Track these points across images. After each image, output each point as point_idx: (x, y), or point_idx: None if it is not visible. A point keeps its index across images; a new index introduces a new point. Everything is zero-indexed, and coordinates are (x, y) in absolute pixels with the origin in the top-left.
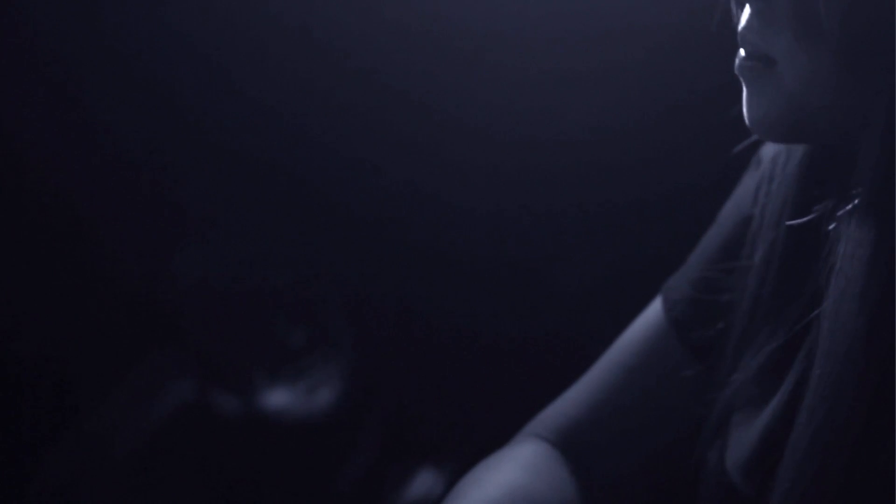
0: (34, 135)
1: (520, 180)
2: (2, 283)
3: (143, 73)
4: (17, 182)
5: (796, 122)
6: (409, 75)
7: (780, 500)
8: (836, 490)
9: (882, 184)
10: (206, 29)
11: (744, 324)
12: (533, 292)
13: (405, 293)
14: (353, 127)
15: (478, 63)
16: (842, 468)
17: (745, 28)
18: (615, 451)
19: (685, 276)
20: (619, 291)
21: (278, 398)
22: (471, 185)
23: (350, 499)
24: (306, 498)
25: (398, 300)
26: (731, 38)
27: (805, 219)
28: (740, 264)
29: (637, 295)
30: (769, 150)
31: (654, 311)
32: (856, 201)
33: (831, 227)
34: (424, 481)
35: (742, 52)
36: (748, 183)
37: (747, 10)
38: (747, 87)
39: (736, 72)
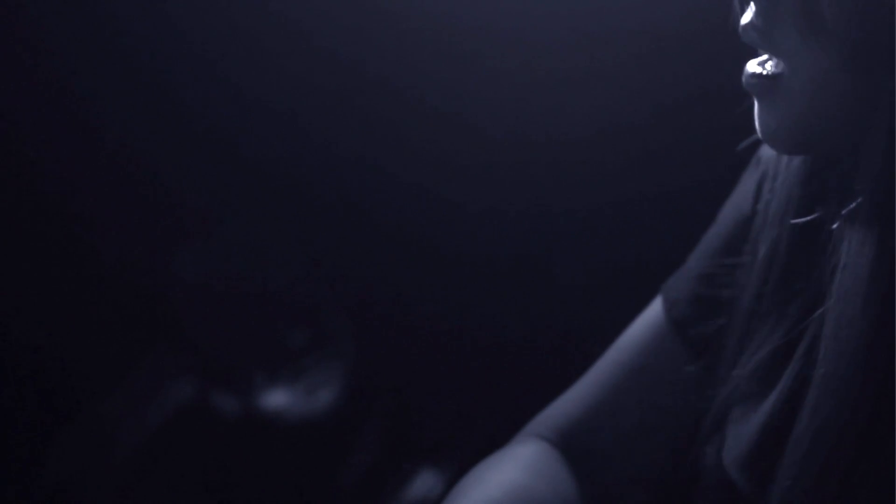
0: (34, 135)
1: (520, 180)
2: (2, 282)
3: (143, 73)
4: (17, 182)
5: (809, 131)
6: (409, 75)
7: (781, 498)
8: (838, 488)
9: (886, 184)
10: (206, 29)
11: (744, 321)
12: (533, 292)
13: (405, 293)
14: (353, 127)
15: (478, 63)
16: (844, 466)
17: (748, 24)
18: (615, 451)
19: (685, 276)
20: (619, 291)
21: (278, 398)
22: (471, 184)
23: (350, 499)
24: (306, 498)
25: (398, 300)
26: (732, 38)
27: (809, 218)
28: (741, 260)
29: (637, 294)
30: (768, 149)
31: (654, 310)
32: (859, 200)
33: (835, 226)
34: (424, 481)
35: (749, 67)
36: (748, 182)
37: (752, 9)
38: (758, 102)
39: (744, 87)
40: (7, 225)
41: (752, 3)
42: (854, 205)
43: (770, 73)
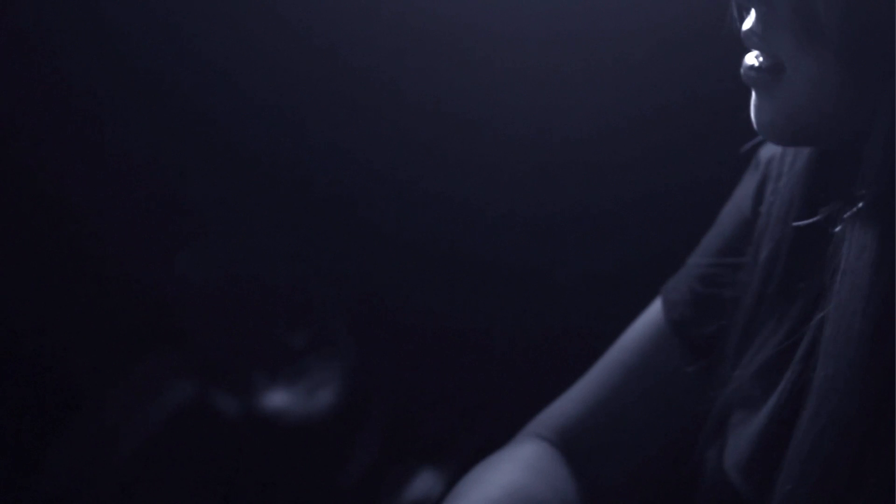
0: (35, 135)
1: (519, 180)
2: (2, 283)
3: (144, 74)
4: (18, 182)
5: (803, 125)
6: (409, 75)
7: (782, 501)
8: (839, 491)
9: (886, 186)
10: (207, 29)
11: (745, 322)
12: (533, 292)
13: (405, 293)
14: (353, 126)
15: (478, 63)
16: (845, 469)
17: (748, 31)
18: (615, 451)
19: (684, 278)
20: (619, 291)
21: (278, 398)
22: (470, 184)
23: (350, 499)
24: (306, 498)
25: (398, 300)
26: (731, 39)
27: (811, 220)
28: (741, 262)
29: (637, 295)
30: (767, 150)
31: (653, 311)
32: (860, 203)
33: (837, 228)
34: (424, 481)
35: (747, 59)
36: (748, 184)
37: (752, 14)
38: (756, 94)
39: (743, 79)
40: (7, 225)
41: (751, 10)
42: (856, 207)
43: (768, 65)
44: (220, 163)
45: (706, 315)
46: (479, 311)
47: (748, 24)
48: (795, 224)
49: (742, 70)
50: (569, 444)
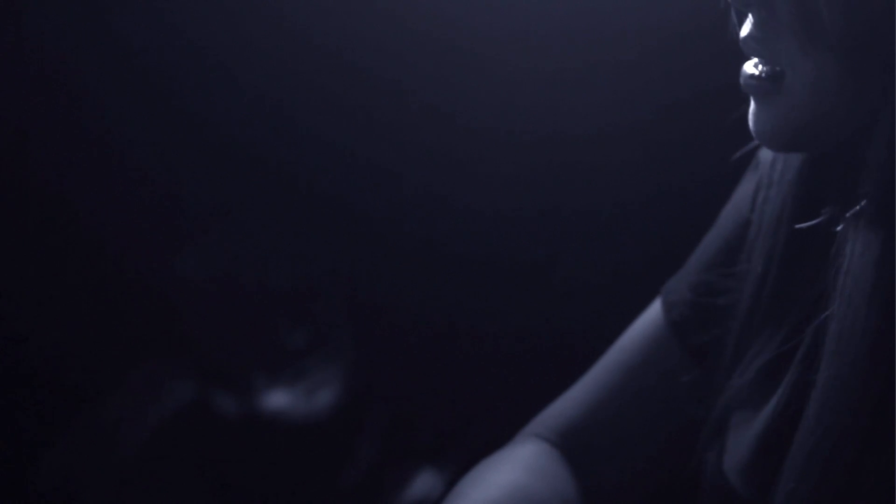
0: (35, 135)
1: (519, 180)
2: (2, 283)
3: (144, 74)
4: (18, 182)
5: (802, 131)
6: (409, 75)
7: (783, 501)
8: (840, 492)
9: (889, 186)
10: (207, 29)
11: (742, 327)
12: (533, 292)
13: (405, 293)
14: (353, 127)
15: (478, 63)
16: (847, 470)
17: (747, 36)
18: (615, 452)
19: (684, 279)
20: (619, 291)
21: (278, 399)
22: (470, 184)
23: (350, 499)
24: (306, 498)
25: (398, 300)
26: (731, 39)
27: (812, 223)
28: (739, 268)
29: (637, 295)
30: (767, 152)
31: (653, 312)
32: (862, 203)
33: (839, 228)
34: (424, 481)
35: (746, 68)
36: (747, 185)
37: (750, 20)
38: (755, 102)
39: (742, 88)
40: (7, 225)
41: (750, 15)
42: (858, 207)
43: (767, 74)
44: (221, 163)
45: (706, 316)
46: (479, 311)
47: (746, 29)
48: (798, 227)
49: (741, 79)
50: (569, 444)
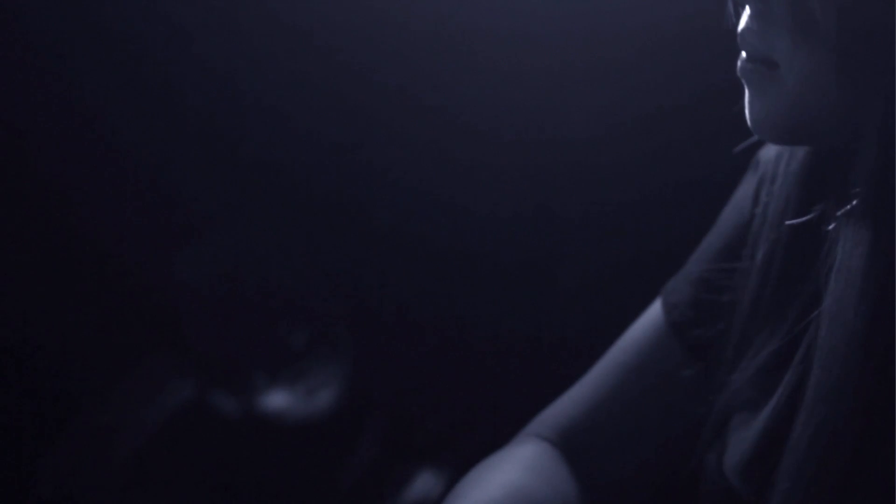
0: (34, 135)
1: (520, 180)
2: (2, 282)
3: (144, 74)
4: (17, 182)
5: (797, 123)
6: (409, 75)
7: (780, 501)
8: (836, 490)
9: (880, 184)
10: (207, 29)
11: (744, 324)
12: (533, 292)
13: (405, 293)
14: (353, 127)
15: (478, 63)
16: (842, 468)
17: (744, 29)
18: (615, 452)
19: (684, 279)
20: (619, 291)
21: (278, 399)
22: (470, 184)
23: (350, 499)
24: (306, 498)
25: (398, 301)
26: (731, 38)
27: (805, 218)
28: (740, 265)
29: (637, 295)
30: (768, 152)
31: (654, 312)
32: (854, 201)
33: (830, 227)
34: (424, 481)
35: (744, 54)
36: (747, 186)
37: (747, 12)
38: (749, 89)
39: (738, 74)
40: (7, 225)
41: (747, 9)
42: (849, 205)
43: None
44: (221, 163)
45: (706, 317)
46: (478, 312)
47: (743, 22)
48: (789, 223)
49: (738, 64)
50: (569, 444)
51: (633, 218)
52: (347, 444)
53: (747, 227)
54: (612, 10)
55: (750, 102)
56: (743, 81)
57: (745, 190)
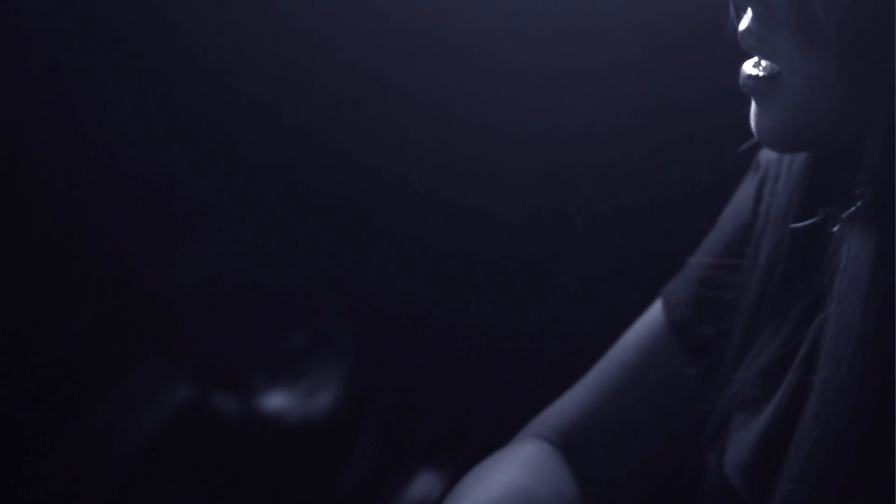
0: (34, 134)
1: (520, 180)
2: (2, 282)
3: (144, 74)
4: (18, 182)
5: (802, 130)
6: (410, 75)
7: (781, 502)
8: (839, 491)
9: (885, 186)
10: (207, 29)
11: (746, 324)
12: (533, 292)
13: (405, 293)
14: (353, 127)
15: (478, 63)
16: (846, 470)
17: (745, 31)
18: (616, 452)
19: (685, 279)
20: (619, 291)
21: (278, 399)
22: (471, 184)
23: (350, 499)
24: (306, 498)
25: (398, 300)
26: (731, 39)
27: (809, 221)
28: (741, 264)
29: (637, 295)
30: (769, 152)
31: (654, 312)
32: (859, 204)
33: (835, 229)
34: (424, 481)
35: (745, 69)
36: (748, 186)
37: (748, 14)
38: (755, 103)
39: (741, 88)
40: (6, 225)
41: (748, 10)
42: (854, 208)
43: (766, 74)
44: (221, 163)
45: (707, 317)
46: (479, 311)
47: (744, 24)
48: (794, 226)
49: (740, 79)
50: (569, 444)
51: (633, 218)
52: (347, 444)
53: (748, 226)
54: (615, 10)
55: (756, 115)
56: (749, 95)
57: (746, 190)
